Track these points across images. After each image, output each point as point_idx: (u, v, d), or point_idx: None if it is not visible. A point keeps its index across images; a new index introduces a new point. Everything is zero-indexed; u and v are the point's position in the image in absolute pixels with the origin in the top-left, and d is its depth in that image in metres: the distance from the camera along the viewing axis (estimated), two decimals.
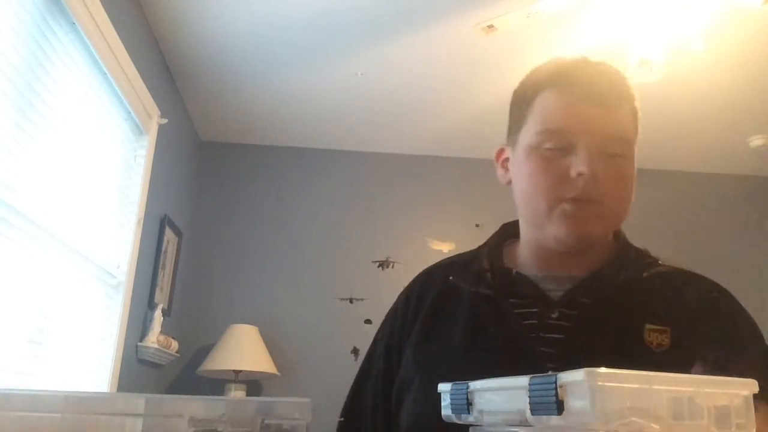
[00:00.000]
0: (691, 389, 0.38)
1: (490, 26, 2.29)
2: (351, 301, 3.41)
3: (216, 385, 3.22)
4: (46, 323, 1.93)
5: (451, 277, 0.92)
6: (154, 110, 2.72)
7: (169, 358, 3.10)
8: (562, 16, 2.39)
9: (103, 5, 2.07)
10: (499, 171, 0.93)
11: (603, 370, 0.36)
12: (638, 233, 1.00)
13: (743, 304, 0.86)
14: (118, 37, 2.22)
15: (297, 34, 2.70)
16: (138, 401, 0.39)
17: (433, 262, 1.02)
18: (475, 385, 0.48)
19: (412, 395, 0.85)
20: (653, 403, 0.36)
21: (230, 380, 3.15)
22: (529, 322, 0.82)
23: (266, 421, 0.38)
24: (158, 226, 2.98)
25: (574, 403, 0.37)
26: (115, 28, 2.18)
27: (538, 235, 0.86)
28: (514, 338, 0.82)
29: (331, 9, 2.52)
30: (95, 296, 2.32)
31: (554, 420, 0.38)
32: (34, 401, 0.40)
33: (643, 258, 0.88)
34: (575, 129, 0.80)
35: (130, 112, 2.50)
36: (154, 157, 2.75)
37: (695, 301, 0.83)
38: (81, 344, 2.20)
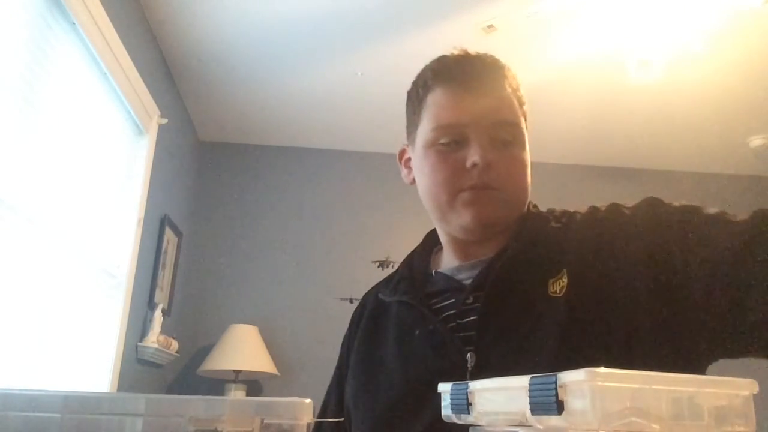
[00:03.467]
0: (691, 389, 0.38)
1: (490, 26, 2.29)
2: (351, 301, 3.40)
3: (216, 385, 3.22)
4: (46, 323, 1.93)
5: (380, 295, 0.96)
6: (154, 110, 2.72)
7: (169, 358, 3.10)
8: (562, 16, 2.39)
9: (103, 5, 2.07)
10: (403, 171, 0.98)
11: (603, 369, 0.36)
12: None
13: None
14: (118, 37, 2.22)
15: (297, 34, 2.70)
16: (138, 401, 0.39)
17: None
18: (475, 385, 0.48)
19: (359, 416, 0.89)
20: (653, 403, 0.36)
21: (230, 380, 3.16)
22: (448, 313, 0.85)
23: (266, 421, 0.38)
24: (158, 226, 2.98)
25: (574, 403, 0.37)
26: (115, 28, 2.18)
27: (448, 228, 0.89)
28: (435, 333, 0.84)
29: (331, 9, 2.52)
30: (95, 296, 2.32)
31: (554, 420, 0.38)
32: (34, 401, 0.40)
33: (540, 220, 0.89)
34: (465, 121, 0.83)
35: (130, 112, 2.50)
36: (154, 157, 2.75)
37: (579, 233, 0.84)
38: (81, 344, 2.20)
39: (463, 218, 0.84)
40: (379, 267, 3.51)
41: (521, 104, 0.88)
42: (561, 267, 0.80)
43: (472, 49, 0.90)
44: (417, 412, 0.79)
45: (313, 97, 3.23)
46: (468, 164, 0.82)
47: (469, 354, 0.78)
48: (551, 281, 0.80)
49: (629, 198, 0.85)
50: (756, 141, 3.53)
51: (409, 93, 0.95)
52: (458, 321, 0.83)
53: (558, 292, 0.79)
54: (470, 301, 0.84)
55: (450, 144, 0.84)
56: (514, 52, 2.79)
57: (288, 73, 3.01)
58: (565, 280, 0.79)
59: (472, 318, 0.82)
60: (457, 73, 0.87)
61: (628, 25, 2.29)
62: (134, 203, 2.60)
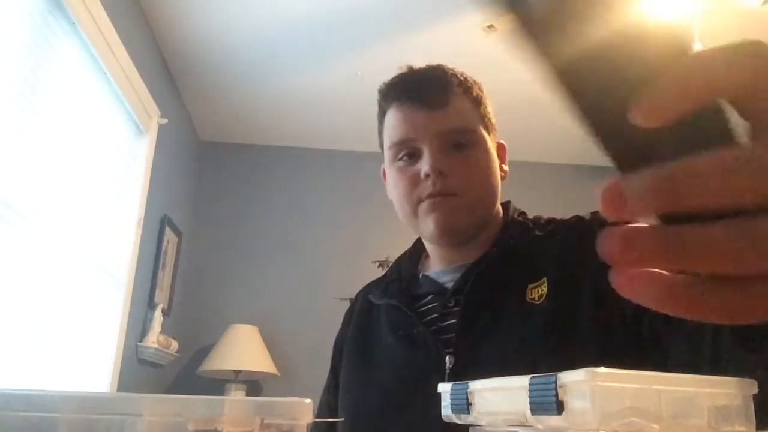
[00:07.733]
0: (691, 389, 0.38)
1: (490, 26, 2.29)
2: (351, 301, 3.41)
3: (216, 385, 3.22)
4: (47, 323, 1.93)
5: (369, 296, 1.00)
6: (154, 110, 2.72)
7: (169, 358, 3.10)
8: None
9: (103, 5, 2.07)
10: (388, 188, 0.99)
11: (603, 369, 0.36)
12: None
13: None
14: (118, 37, 2.22)
15: (297, 35, 2.70)
16: (138, 401, 0.39)
17: None
18: (475, 385, 0.48)
19: (350, 414, 0.91)
20: (653, 403, 0.36)
21: (230, 380, 3.16)
22: (431, 317, 0.88)
23: (266, 421, 0.38)
24: (158, 226, 2.98)
25: (574, 403, 0.37)
26: (115, 28, 2.18)
27: (422, 237, 0.94)
28: (418, 335, 0.87)
29: (332, 9, 2.52)
30: (95, 296, 2.32)
31: (554, 420, 0.38)
32: (34, 401, 0.40)
33: (523, 228, 0.91)
34: (413, 135, 0.87)
35: (130, 112, 2.50)
36: (154, 157, 2.75)
37: (562, 243, 0.85)
38: (81, 344, 2.20)
39: (427, 226, 0.86)
40: (379, 267, 3.51)
41: (478, 106, 0.90)
42: (541, 274, 0.82)
43: (422, 64, 0.95)
44: (401, 412, 0.83)
45: (313, 97, 3.23)
46: (422, 175, 0.85)
47: (447, 356, 0.81)
48: (530, 287, 0.82)
49: None
50: None
51: (377, 116, 0.98)
52: (439, 324, 0.86)
53: (537, 299, 0.80)
54: (452, 304, 0.87)
55: (407, 158, 0.88)
56: (514, 52, 2.79)
57: (288, 73, 3.01)
58: (544, 288, 0.81)
59: (452, 321, 0.85)
60: (401, 90, 0.90)
61: None
62: (134, 203, 2.60)
